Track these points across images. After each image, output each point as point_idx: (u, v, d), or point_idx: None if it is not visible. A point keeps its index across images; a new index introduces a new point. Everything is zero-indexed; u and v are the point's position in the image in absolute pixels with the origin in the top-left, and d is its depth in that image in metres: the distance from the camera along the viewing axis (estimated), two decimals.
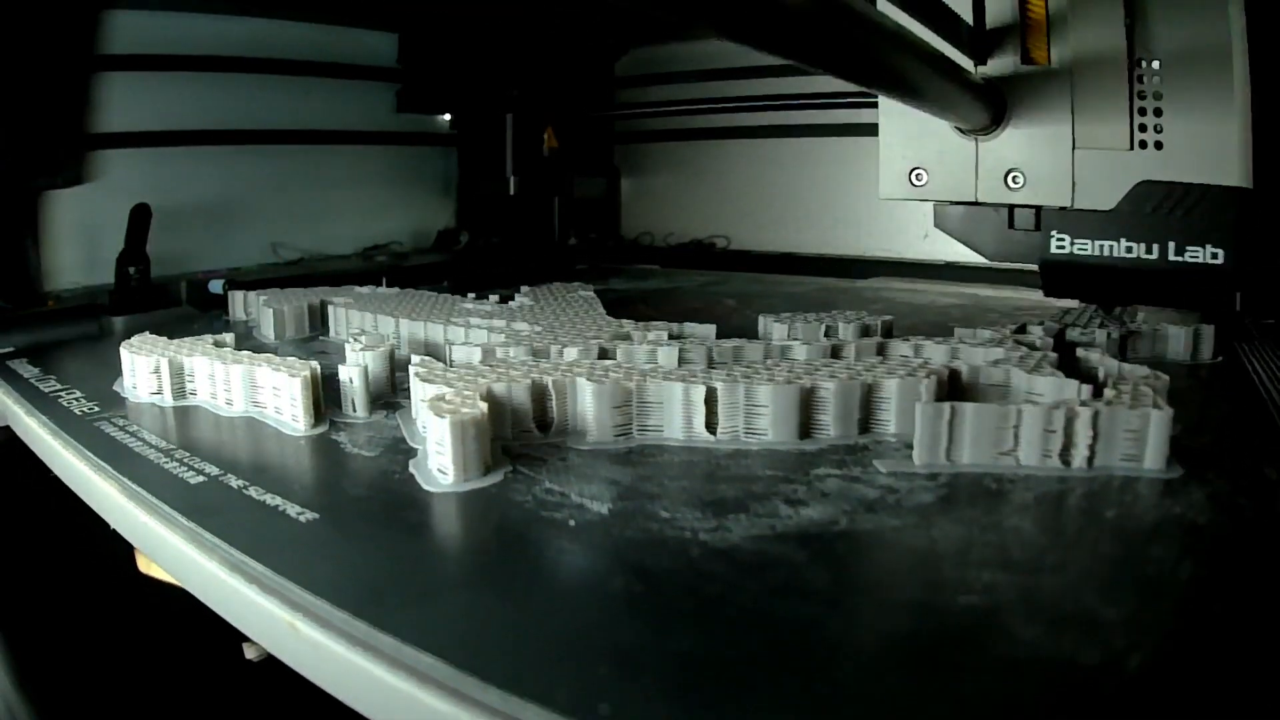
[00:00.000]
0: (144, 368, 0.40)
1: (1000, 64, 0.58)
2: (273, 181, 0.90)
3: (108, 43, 0.79)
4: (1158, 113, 0.56)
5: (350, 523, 0.28)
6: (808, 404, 0.34)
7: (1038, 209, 0.61)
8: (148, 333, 0.46)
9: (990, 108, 0.57)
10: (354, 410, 0.37)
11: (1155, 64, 0.56)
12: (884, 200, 0.67)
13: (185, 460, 0.33)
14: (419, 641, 0.21)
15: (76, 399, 0.42)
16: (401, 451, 0.33)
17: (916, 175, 0.63)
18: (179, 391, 0.41)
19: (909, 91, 0.45)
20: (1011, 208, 0.62)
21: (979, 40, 0.58)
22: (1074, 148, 0.58)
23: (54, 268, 0.78)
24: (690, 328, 0.47)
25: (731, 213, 1.00)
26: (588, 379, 0.34)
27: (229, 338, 0.45)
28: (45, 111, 0.77)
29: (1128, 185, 0.57)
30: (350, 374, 0.37)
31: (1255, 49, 0.55)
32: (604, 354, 0.40)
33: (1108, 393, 0.33)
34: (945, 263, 0.86)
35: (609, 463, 0.32)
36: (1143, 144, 0.56)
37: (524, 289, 0.63)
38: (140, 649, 0.44)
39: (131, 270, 0.74)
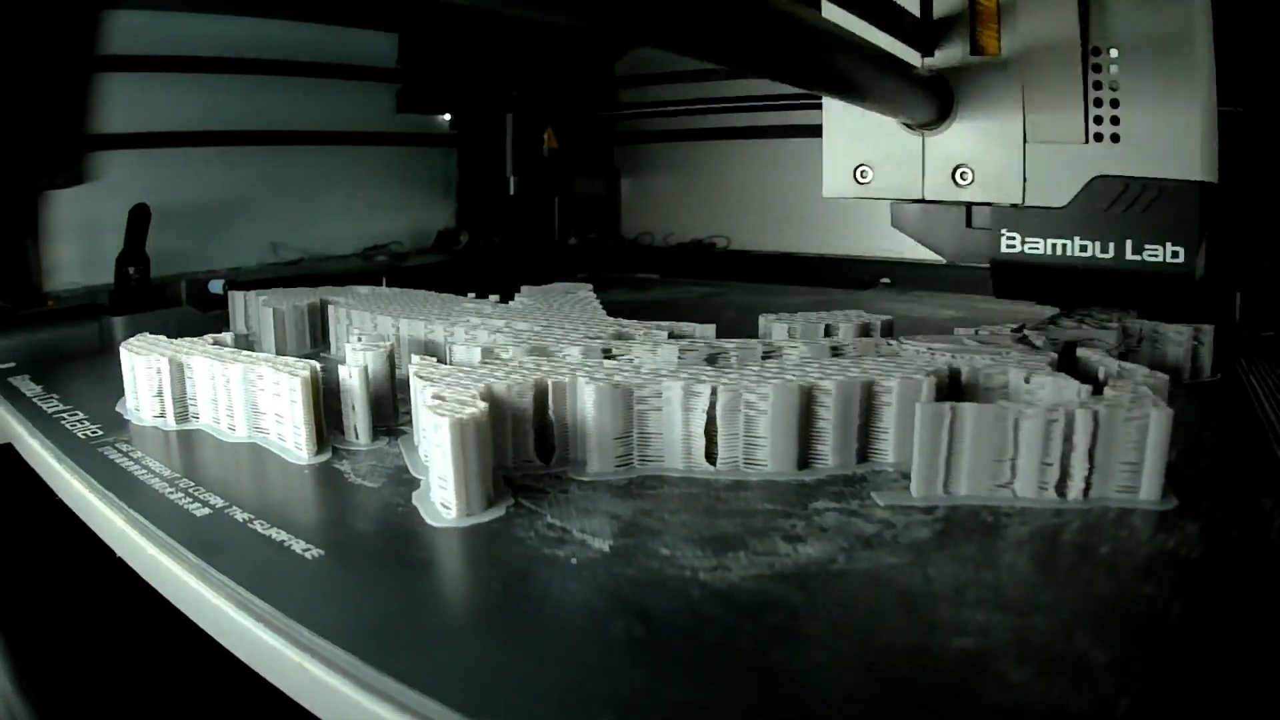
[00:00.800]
0: (146, 390, 0.40)
1: (948, 55, 0.55)
2: (273, 181, 0.90)
3: (108, 43, 0.79)
4: (1114, 103, 0.52)
5: (356, 561, 0.28)
6: (806, 430, 0.35)
7: (988, 206, 0.58)
8: (147, 333, 0.46)
9: (937, 101, 0.54)
10: (356, 437, 0.38)
11: (1112, 52, 0.52)
12: (829, 199, 0.62)
13: (190, 491, 0.33)
14: (424, 686, 0.22)
15: (80, 421, 0.42)
16: (404, 482, 0.34)
17: (861, 172, 0.59)
18: (181, 415, 0.41)
19: (849, 91, 0.44)
20: (968, 205, 0.59)
21: (926, 31, 0.55)
22: (1025, 141, 0.54)
23: (54, 268, 0.78)
24: (689, 327, 0.47)
25: (731, 213, 1.00)
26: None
27: (228, 337, 0.45)
28: (45, 111, 0.77)
29: (1082, 180, 0.54)
30: (350, 373, 0.38)
31: (1220, 34, 0.53)
32: (606, 354, 0.40)
33: (1108, 391, 0.34)
34: (945, 262, 0.86)
35: (610, 495, 0.32)
36: (1098, 137, 0.53)
37: (524, 289, 0.63)
38: (141, 649, 0.44)
39: (131, 270, 0.74)
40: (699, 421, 0.34)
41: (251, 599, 0.26)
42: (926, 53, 0.55)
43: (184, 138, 0.84)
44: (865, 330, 0.49)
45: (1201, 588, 0.28)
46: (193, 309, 0.77)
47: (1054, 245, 0.55)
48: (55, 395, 0.48)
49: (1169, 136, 0.51)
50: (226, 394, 0.39)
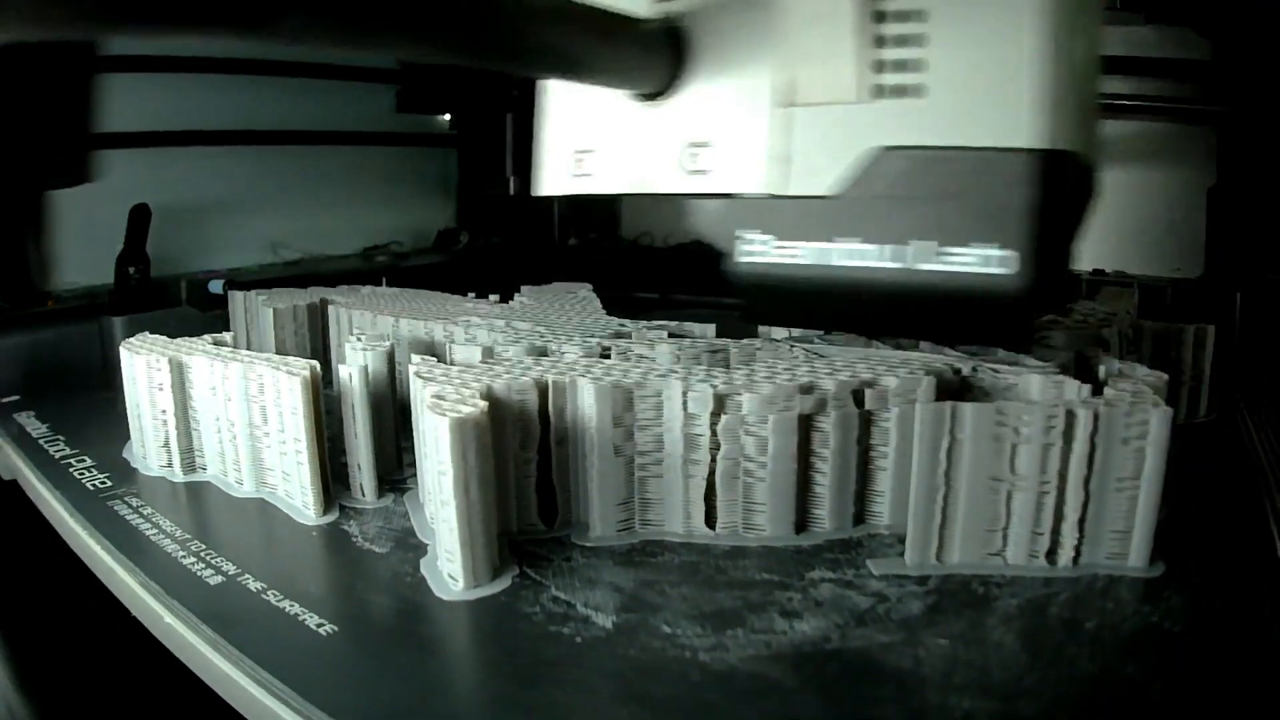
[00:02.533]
0: (154, 441, 0.41)
1: None
2: (273, 181, 0.90)
3: (108, 43, 0.79)
4: (907, 41, 0.34)
5: (368, 637, 0.29)
6: (804, 495, 0.36)
7: (729, 198, 0.39)
8: (147, 333, 0.46)
9: (669, 58, 0.38)
10: (362, 494, 0.39)
11: None
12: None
13: (203, 555, 0.34)
14: None
15: (88, 469, 0.43)
16: (411, 547, 0.35)
17: (579, 161, 0.42)
18: (189, 465, 0.42)
19: (553, 69, 0.35)
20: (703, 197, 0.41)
21: None
22: (780, 104, 0.36)
23: (54, 268, 0.78)
24: (689, 327, 0.47)
25: None
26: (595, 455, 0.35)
27: (228, 336, 0.46)
28: (46, 111, 0.77)
29: (861, 156, 0.35)
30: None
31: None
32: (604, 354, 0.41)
33: (1108, 391, 0.34)
34: None
35: (612, 564, 0.33)
36: (884, 91, 0.35)
37: (524, 289, 0.63)
38: (141, 649, 0.45)
39: (131, 270, 0.74)
40: (698, 488, 0.35)
41: (270, 679, 0.27)
42: None
43: (184, 137, 0.84)
44: None
45: (1182, 664, 0.29)
46: (193, 309, 0.77)
47: (818, 251, 0.37)
48: (61, 436, 0.48)
49: (988, 86, 0.33)
50: (234, 445, 0.40)
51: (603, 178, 0.41)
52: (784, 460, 0.35)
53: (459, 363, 0.39)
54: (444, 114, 0.99)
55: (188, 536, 0.36)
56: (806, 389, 0.34)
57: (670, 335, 0.45)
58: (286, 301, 0.58)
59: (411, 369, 0.37)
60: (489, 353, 0.40)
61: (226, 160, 0.87)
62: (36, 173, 0.78)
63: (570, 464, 0.35)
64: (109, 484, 0.42)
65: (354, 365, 0.38)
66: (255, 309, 0.60)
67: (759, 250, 0.38)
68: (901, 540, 0.35)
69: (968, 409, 0.32)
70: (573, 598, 0.31)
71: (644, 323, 0.48)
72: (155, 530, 0.36)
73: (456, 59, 0.29)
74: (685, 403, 0.34)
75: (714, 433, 0.35)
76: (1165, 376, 0.37)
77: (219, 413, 0.40)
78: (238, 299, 0.64)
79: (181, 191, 0.84)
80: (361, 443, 0.38)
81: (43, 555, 0.41)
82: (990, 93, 0.33)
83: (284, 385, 0.37)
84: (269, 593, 0.31)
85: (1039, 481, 0.33)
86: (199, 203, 0.85)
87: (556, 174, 0.43)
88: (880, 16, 0.34)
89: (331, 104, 0.92)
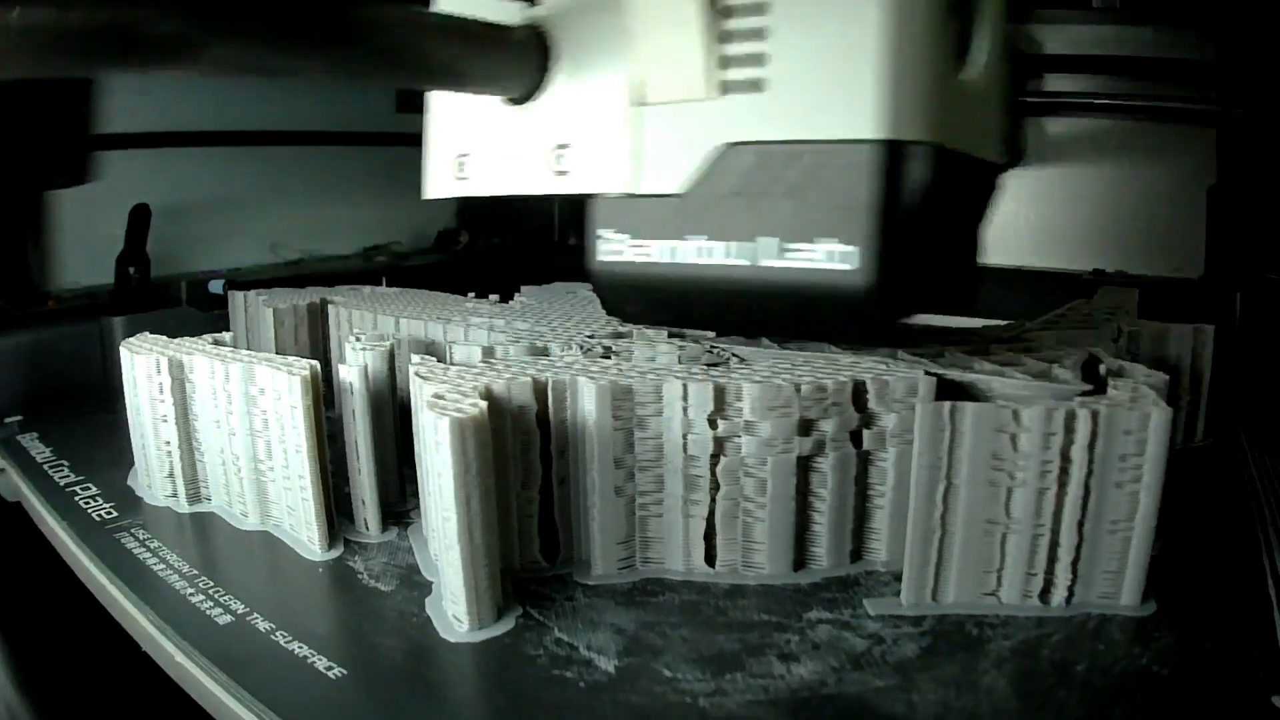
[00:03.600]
0: (159, 471, 0.42)
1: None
2: (273, 181, 0.90)
3: None
4: (753, 35, 0.34)
5: (377, 681, 0.30)
6: (802, 534, 0.36)
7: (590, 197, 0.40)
8: (147, 332, 0.47)
9: (534, 63, 0.38)
10: (366, 529, 0.39)
11: None
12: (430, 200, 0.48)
13: (211, 592, 0.35)
14: None
15: (94, 498, 0.44)
16: (417, 586, 0.35)
17: (460, 163, 0.43)
18: (194, 496, 0.42)
19: (419, 80, 0.36)
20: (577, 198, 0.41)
21: None
22: (635, 103, 0.37)
23: (54, 268, 0.78)
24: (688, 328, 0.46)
25: None
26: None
27: (228, 336, 0.46)
28: (46, 111, 0.77)
29: (708, 153, 0.35)
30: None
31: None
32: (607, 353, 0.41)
33: (1111, 391, 0.35)
34: None
35: (614, 604, 0.34)
36: (730, 86, 0.34)
37: (524, 289, 0.63)
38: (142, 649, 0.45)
39: (131, 270, 0.75)
40: (699, 528, 0.36)
41: None
42: (533, 0, 0.40)
43: (184, 138, 0.84)
44: None
45: (1169, 709, 0.29)
46: (193, 309, 0.78)
47: (669, 249, 0.37)
48: (65, 462, 0.49)
49: (831, 76, 0.33)
50: (238, 478, 0.40)
51: (479, 180, 0.43)
52: (783, 501, 0.35)
53: (459, 363, 0.39)
54: None
55: (195, 573, 0.36)
56: (805, 430, 0.35)
57: (670, 335, 0.45)
58: (286, 301, 0.59)
59: (411, 369, 0.37)
60: (489, 353, 0.41)
61: (226, 160, 0.87)
62: (36, 173, 0.78)
63: (572, 503, 0.36)
64: (115, 515, 0.42)
65: (354, 365, 0.38)
66: (255, 309, 0.60)
67: (616, 249, 0.39)
68: (898, 578, 0.35)
69: (964, 456, 0.33)
70: (575, 640, 0.32)
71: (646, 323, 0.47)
72: (163, 566, 0.37)
73: (338, 78, 0.31)
74: (685, 445, 0.35)
75: (714, 474, 0.35)
76: (1165, 377, 0.37)
77: (220, 418, 0.41)
78: (238, 299, 0.64)
79: (181, 191, 0.84)
80: (365, 478, 0.38)
81: (49, 575, 0.42)
82: (833, 85, 0.33)
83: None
84: (278, 633, 0.32)
85: (1033, 524, 0.34)
86: (199, 203, 0.85)
87: (440, 177, 0.45)
88: (726, 11, 0.34)
89: (331, 104, 0.92)
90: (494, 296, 0.62)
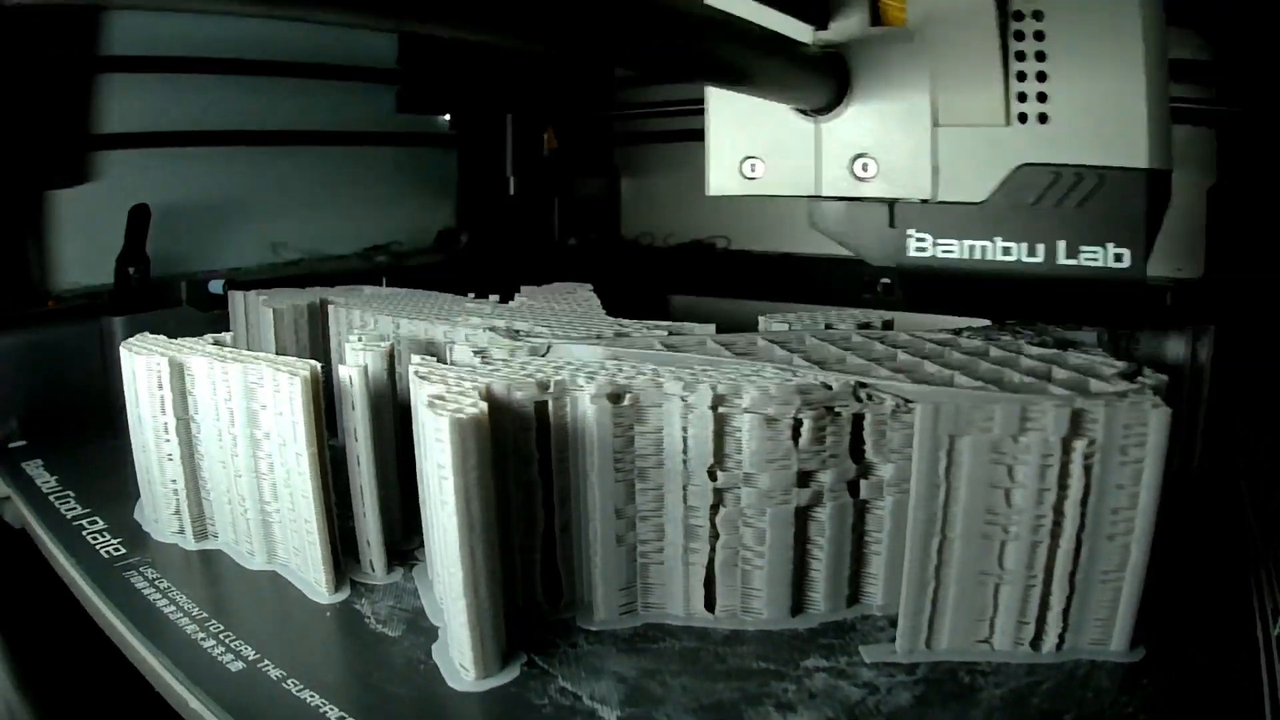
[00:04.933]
0: (166, 508, 0.42)
1: (845, 26, 0.46)
2: (273, 181, 0.90)
3: (108, 43, 0.78)
4: (1041, 77, 0.44)
5: None
6: (800, 580, 0.37)
7: (892, 203, 0.48)
8: (147, 333, 0.47)
9: (832, 81, 0.46)
10: (372, 569, 0.40)
11: (1038, 16, 0.44)
12: (715, 196, 0.54)
13: (221, 636, 0.35)
14: None
15: (101, 533, 0.44)
16: (423, 631, 0.36)
17: (750, 165, 0.50)
18: (200, 533, 0.43)
19: (724, 78, 0.41)
20: (891, 205, 0.49)
21: (818, 1, 0.47)
22: (936, 125, 0.45)
23: (54, 268, 0.78)
24: (688, 327, 0.47)
25: (731, 213, 1.01)
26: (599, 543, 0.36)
27: (228, 337, 0.46)
28: (46, 111, 0.77)
29: (1004, 170, 0.45)
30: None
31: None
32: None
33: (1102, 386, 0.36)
34: None
35: (616, 651, 0.35)
36: (1023, 118, 0.44)
37: (524, 289, 0.64)
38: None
39: (131, 270, 0.75)
40: (699, 575, 0.36)
41: None
42: (820, 25, 0.47)
43: (184, 138, 0.84)
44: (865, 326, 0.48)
45: None
46: (193, 309, 0.78)
47: (972, 248, 0.46)
48: (70, 492, 0.49)
49: (1108, 116, 0.43)
50: (245, 518, 0.41)
51: (770, 182, 0.51)
52: (781, 550, 0.36)
53: (458, 363, 0.39)
54: (444, 114, 0.99)
55: (205, 615, 0.37)
56: (803, 482, 0.35)
57: (670, 334, 0.45)
58: (286, 301, 0.58)
59: (410, 369, 0.38)
60: (488, 353, 0.41)
61: (226, 160, 0.87)
62: (36, 173, 0.78)
63: (574, 550, 0.37)
64: (123, 552, 0.43)
65: (354, 365, 0.39)
66: (255, 309, 0.60)
67: (923, 246, 0.48)
68: (893, 622, 0.36)
69: (959, 511, 0.33)
70: (579, 689, 0.33)
71: (644, 323, 0.48)
72: (174, 608, 0.37)
73: (646, 67, 0.34)
74: (685, 496, 0.36)
75: (713, 524, 0.36)
76: (1164, 377, 0.37)
77: (225, 459, 0.41)
78: (238, 299, 0.64)
79: (181, 191, 0.84)
80: (370, 520, 0.39)
81: (56, 604, 0.43)
82: (1107, 121, 0.43)
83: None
84: (289, 681, 0.33)
85: (1026, 575, 0.34)
86: (199, 203, 0.85)
87: (726, 177, 0.52)
88: (1021, 56, 0.44)
89: (331, 104, 0.91)
90: (494, 296, 0.62)
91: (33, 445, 0.58)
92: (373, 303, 0.58)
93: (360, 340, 0.42)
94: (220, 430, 0.41)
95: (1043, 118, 0.44)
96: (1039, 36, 0.44)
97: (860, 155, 0.47)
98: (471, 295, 0.63)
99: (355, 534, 0.41)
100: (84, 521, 0.46)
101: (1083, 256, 0.44)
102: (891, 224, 0.49)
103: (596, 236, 1.04)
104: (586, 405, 0.35)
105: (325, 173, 0.92)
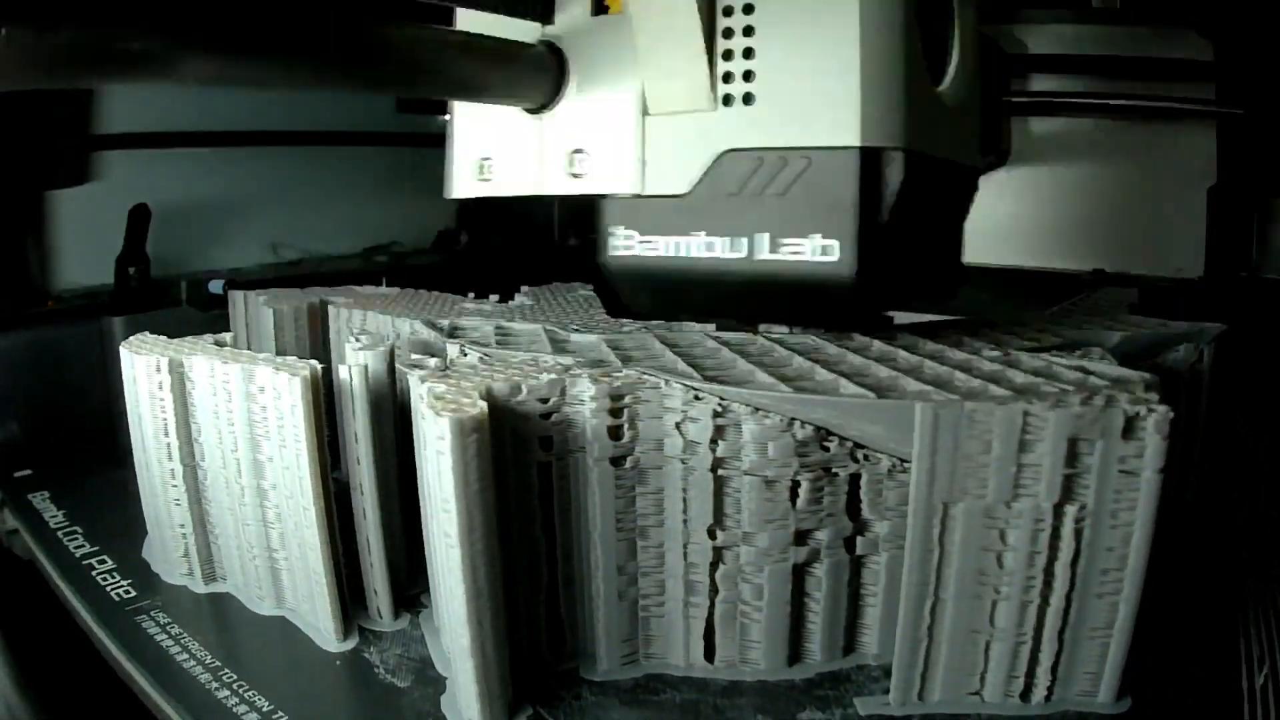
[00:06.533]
0: (174, 550, 0.43)
1: (569, 19, 0.44)
2: (273, 181, 0.90)
3: None
4: (748, 54, 0.40)
5: None
6: (798, 630, 0.38)
7: (602, 199, 0.45)
8: (147, 333, 0.47)
9: (548, 76, 0.44)
10: (379, 616, 0.41)
11: None
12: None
13: (235, 686, 0.36)
14: None
15: (111, 573, 0.45)
16: (431, 682, 0.37)
17: (483, 166, 0.48)
18: (209, 576, 0.44)
19: (445, 91, 0.41)
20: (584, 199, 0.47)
21: None
22: (644, 114, 0.42)
23: (54, 268, 0.79)
24: (687, 326, 0.48)
25: None
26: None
27: (228, 337, 0.47)
28: (46, 111, 0.77)
29: (708, 158, 0.41)
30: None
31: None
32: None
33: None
34: None
35: (618, 703, 0.36)
36: (728, 100, 0.40)
37: (524, 289, 0.64)
38: None
39: (131, 270, 0.75)
40: (699, 628, 0.37)
41: None
42: (546, 20, 0.45)
43: (184, 138, 0.84)
44: None
45: None
46: (193, 309, 0.78)
47: (674, 244, 0.43)
48: (78, 528, 0.50)
49: (817, 92, 0.39)
50: (254, 565, 0.41)
51: (501, 182, 0.48)
52: (778, 605, 0.37)
53: (458, 363, 0.40)
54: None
55: (218, 664, 0.38)
56: (800, 540, 0.36)
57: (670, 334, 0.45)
58: (286, 302, 0.59)
59: (408, 369, 0.38)
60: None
61: (226, 160, 0.87)
62: (36, 173, 0.78)
63: (578, 603, 0.37)
64: (133, 594, 0.43)
65: (354, 365, 0.39)
66: (255, 309, 0.60)
67: (626, 245, 0.45)
68: (887, 673, 0.37)
69: (952, 573, 0.34)
70: None
71: (644, 323, 0.49)
72: (186, 656, 0.38)
73: (365, 90, 0.35)
74: (686, 553, 0.36)
75: (713, 580, 0.37)
76: (1157, 378, 0.37)
77: (233, 507, 0.42)
78: (238, 299, 0.64)
79: (181, 191, 0.84)
80: (377, 569, 0.40)
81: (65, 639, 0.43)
82: (817, 97, 0.39)
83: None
84: None
85: (1016, 632, 0.35)
86: (199, 203, 0.85)
87: (463, 179, 0.49)
88: (729, 33, 0.40)
89: (331, 104, 0.91)
90: (494, 296, 0.62)
91: (39, 476, 0.59)
92: (372, 303, 0.58)
93: (360, 340, 0.42)
94: (227, 479, 0.41)
95: (748, 98, 0.40)
96: (748, 10, 0.40)
97: (577, 150, 0.44)
98: (471, 295, 0.63)
99: (360, 570, 0.41)
100: (93, 560, 0.47)
101: (784, 250, 0.40)
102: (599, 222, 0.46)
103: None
104: (590, 467, 0.35)
105: (325, 173, 0.92)
